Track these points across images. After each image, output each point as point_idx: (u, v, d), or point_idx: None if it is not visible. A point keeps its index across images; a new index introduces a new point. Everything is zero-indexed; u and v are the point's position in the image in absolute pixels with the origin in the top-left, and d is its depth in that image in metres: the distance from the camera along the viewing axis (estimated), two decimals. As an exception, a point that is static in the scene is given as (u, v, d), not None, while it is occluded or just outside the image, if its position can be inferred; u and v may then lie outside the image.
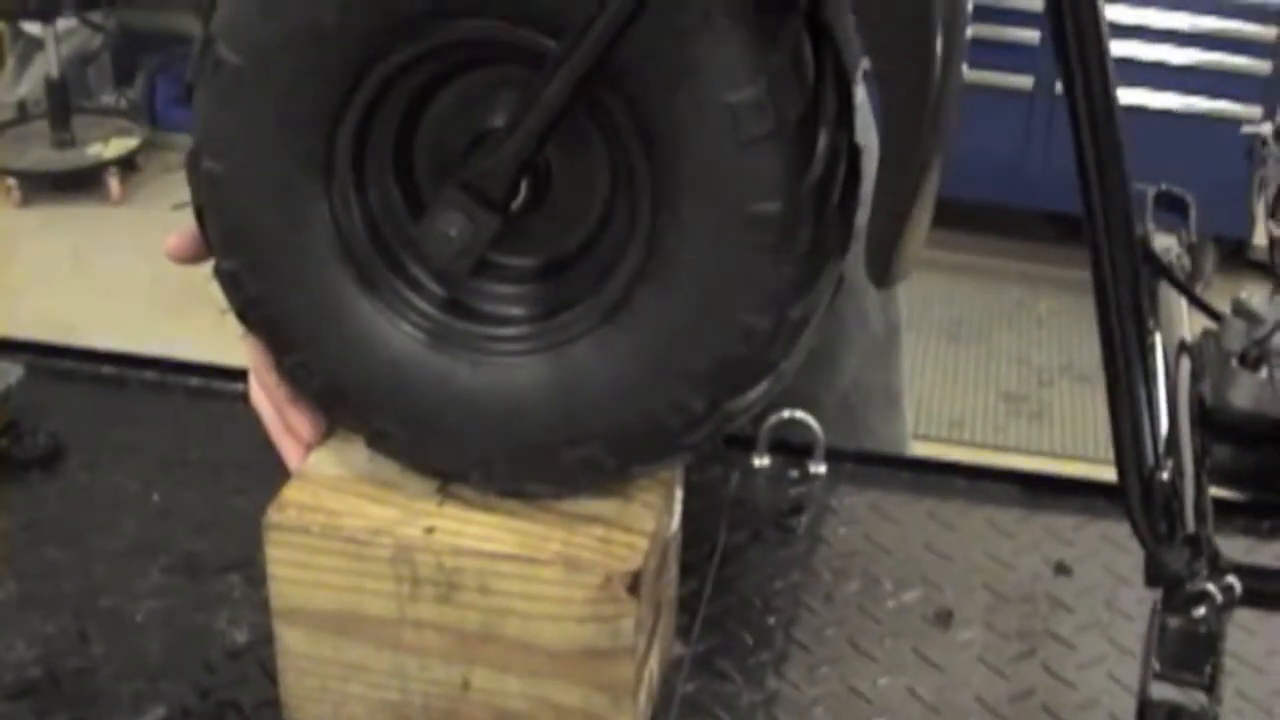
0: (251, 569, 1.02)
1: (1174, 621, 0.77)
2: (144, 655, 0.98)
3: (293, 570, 0.87)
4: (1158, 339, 0.90)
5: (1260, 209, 0.86)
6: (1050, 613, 1.04)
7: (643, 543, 0.85)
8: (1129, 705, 0.88)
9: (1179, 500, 0.80)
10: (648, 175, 0.79)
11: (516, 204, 0.81)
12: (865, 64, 0.78)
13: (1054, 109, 3.72)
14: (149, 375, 1.29)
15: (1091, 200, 0.80)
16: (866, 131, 0.77)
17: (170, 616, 1.01)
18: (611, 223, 0.85)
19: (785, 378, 0.84)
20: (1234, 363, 0.87)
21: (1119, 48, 3.67)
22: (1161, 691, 0.78)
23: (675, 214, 0.78)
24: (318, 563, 0.86)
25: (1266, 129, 0.87)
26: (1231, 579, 0.77)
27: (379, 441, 0.89)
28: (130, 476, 1.16)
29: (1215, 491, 0.88)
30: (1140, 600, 1.02)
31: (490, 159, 0.79)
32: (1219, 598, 0.76)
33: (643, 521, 0.86)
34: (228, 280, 0.87)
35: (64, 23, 4.52)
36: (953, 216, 3.77)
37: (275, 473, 0.91)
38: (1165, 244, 1.01)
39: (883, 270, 0.77)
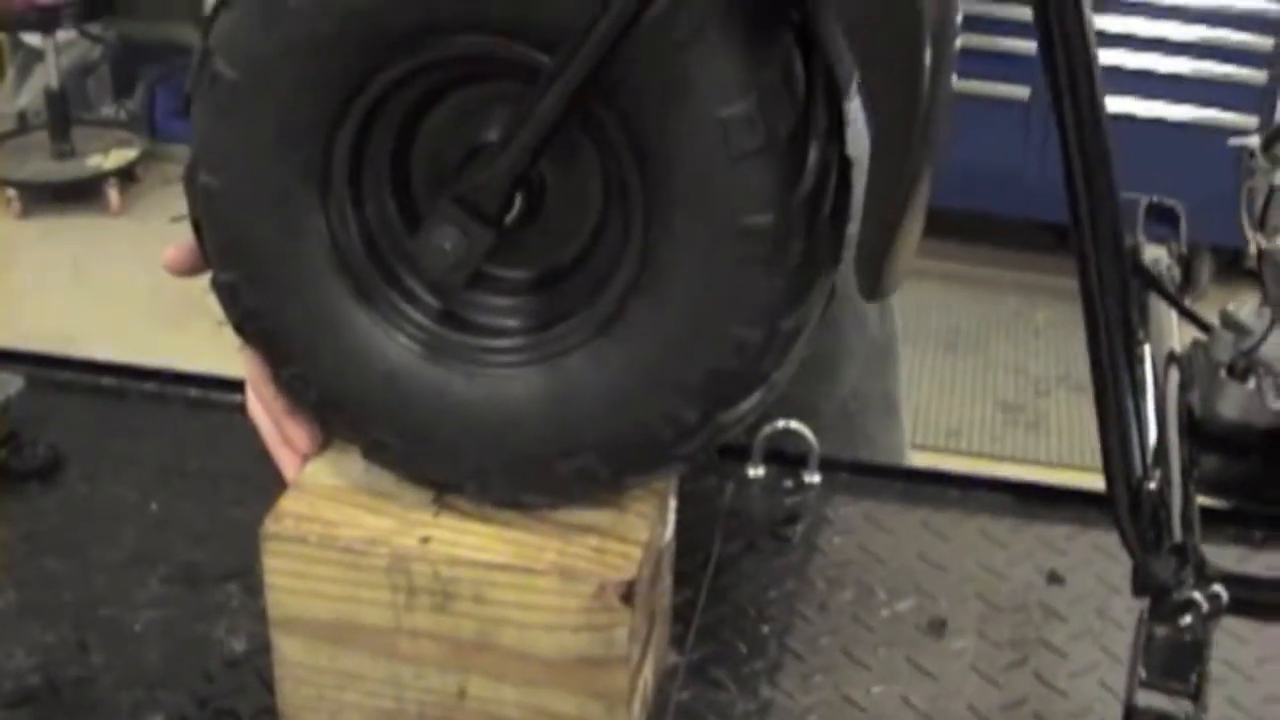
0: (249, 578, 1.02)
1: (1160, 630, 0.78)
2: (143, 664, 0.99)
3: (290, 580, 0.88)
4: (1147, 350, 0.91)
5: (1247, 221, 0.86)
6: (1043, 621, 1.05)
7: (637, 552, 0.85)
8: (1120, 713, 0.89)
9: (1166, 510, 0.80)
10: (641, 189, 0.79)
11: (511, 217, 0.81)
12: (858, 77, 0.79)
13: (1050, 119, 3.71)
14: (148, 386, 1.30)
15: (1079, 210, 0.80)
16: (859, 144, 0.78)
17: (169, 626, 1.02)
18: (605, 236, 0.85)
19: (777, 389, 0.85)
20: (1222, 373, 0.87)
21: (1116, 57, 3.69)
22: (1148, 699, 0.78)
23: (668, 227, 0.79)
24: (314, 572, 0.87)
25: (1254, 141, 0.87)
26: (1218, 588, 0.77)
27: (375, 452, 0.89)
28: (129, 487, 1.16)
29: (1208, 501, 0.89)
30: (1131, 609, 1.02)
31: (484, 173, 0.80)
32: (1205, 606, 0.77)
33: (637, 531, 0.87)
34: (225, 292, 0.88)
35: (64, 34, 4.53)
36: (949, 226, 3.78)
37: (273, 483, 0.92)
38: (1156, 255, 1.02)
39: (873, 282, 0.78)
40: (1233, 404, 0.87)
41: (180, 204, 0.88)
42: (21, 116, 4.83)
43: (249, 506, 0.93)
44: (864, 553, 1.12)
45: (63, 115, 4.55)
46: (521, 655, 0.87)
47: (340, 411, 0.89)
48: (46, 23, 4.38)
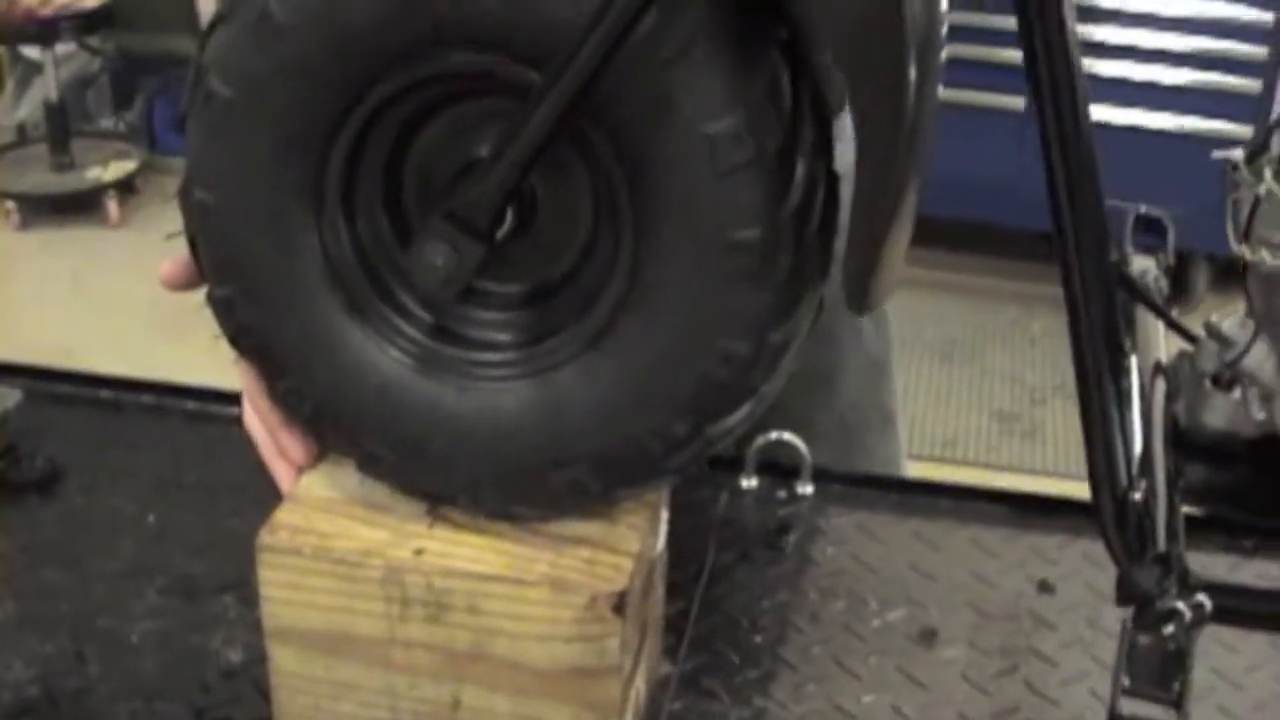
0: (246, 590, 1.03)
1: (1144, 638, 0.79)
2: (140, 675, 1.00)
3: (285, 591, 0.89)
4: (1134, 360, 0.92)
5: (1231, 233, 0.87)
6: (1033, 630, 1.06)
7: (627, 564, 0.86)
8: (1107, 721, 0.90)
9: (1151, 519, 0.81)
10: (630, 204, 0.80)
11: (502, 233, 0.82)
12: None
13: (1047, 129, 3.71)
14: (146, 399, 1.31)
15: (1063, 221, 0.81)
16: (848, 158, 0.79)
17: (166, 637, 1.03)
18: (595, 251, 0.86)
19: (766, 401, 0.86)
20: (1207, 384, 0.88)
21: (1112, 68, 3.70)
22: (1131, 707, 0.79)
23: (657, 242, 0.80)
24: (309, 584, 0.88)
25: (1237, 154, 0.88)
26: (1202, 597, 0.78)
27: (369, 465, 0.90)
28: (127, 499, 1.17)
29: (1200, 510, 0.90)
30: (1121, 618, 1.03)
31: (475, 189, 0.81)
32: (1188, 615, 0.78)
33: (628, 543, 0.88)
34: (220, 307, 0.88)
35: (63, 47, 4.53)
36: (945, 236, 3.79)
37: (269, 495, 0.93)
38: (1144, 266, 1.03)
39: (861, 295, 0.79)
40: (1218, 414, 0.88)
41: (178, 218, 0.89)
42: (21, 129, 4.84)
43: (246, 518, 0.94)
44: (856, 563, 1.12)
45: (62, 128, 4.56)
46: (514, 666, 0.87)
47: (335, 425, 0.89)
48: (46, 35, 4.39)
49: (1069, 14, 0.79)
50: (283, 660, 0.91)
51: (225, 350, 0.91)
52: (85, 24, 4.45)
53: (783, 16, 0.78)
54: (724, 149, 0.77)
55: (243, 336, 0.89)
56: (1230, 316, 0.90)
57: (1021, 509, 1.19)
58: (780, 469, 1.20)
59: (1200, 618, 0.78)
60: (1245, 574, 1.11)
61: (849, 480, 1.22)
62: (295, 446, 0.93)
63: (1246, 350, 0.86)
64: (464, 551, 0.87)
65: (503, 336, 0.88)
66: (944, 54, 0.78)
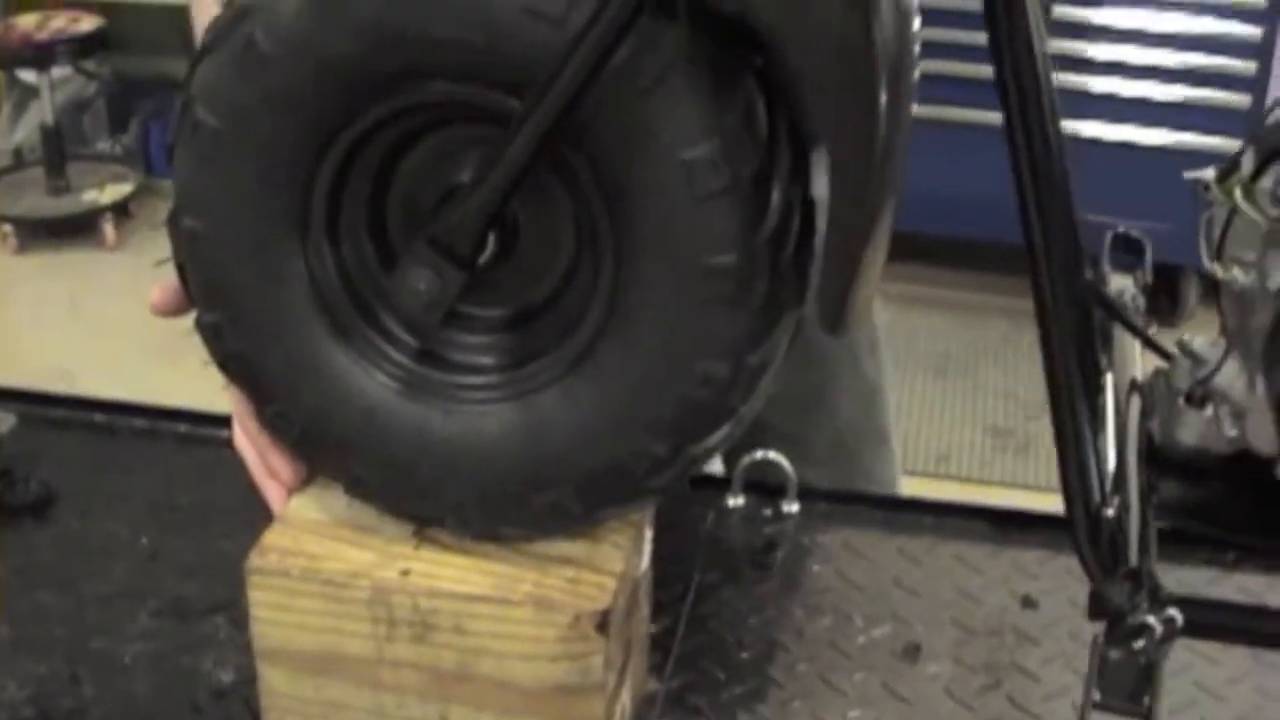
0: (236, 611, 1.03)
1: (1114, 653, 0.79)
2: (133, 696, 1.01)
3: (274, 612, 0.90)
4: (1109, 378, 0.93)
5: (1205, 252, 0.88)
6: (1016, 645, 1.07)
7: (611, 583, 0.87)
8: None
9: (1123, 535, 0.82)
10: (609, 230, 0.82)
11: (484, 258, 0.84)
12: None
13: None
14: (139, 423, 1.32)
15: (1034, 239, 0.82)
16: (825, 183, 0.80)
17: (158, 658, 1.04)
18: (576, 276, 0.88)
19: (745, 422, 0.87)
20: (1181, 401, 0.89)
21: (1103, 84, 3.71)
22: (1101, 721, 0.80)
23: (636, 267, 0.81)
24: (298, 605, 0.89)
25: (1209, 173, 0.89)
26: (1173, 611, 0.79)
27: (356, 487, 0.91)
28: (120, 523, 1.18)
29: (1181, 526, 0.91)
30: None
31: (457, 215, 0.83)
32: (1159, 630, 0.79)
33: (611, 562, 0.89)
34: (209, 333, 0.90)
35: (59, 70, 4.54)
36: (937, 252, 3.79)
37: (260, 518, 0.94)
38: (1122, 284, 1.04)
39: (836, 316, 0.80)
40: (1191, 431, 0.89)
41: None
42: (17, 152, 4.85)
43: (237, 540, 0.95)
44: (842, 580, 1.13)
45: (58, 151, 4.56)
46: (500, 684, 0.88)
47: (322, 448, 0.91)
48: (42, 59, 4.40)
49: (1037, 34, 0.80)
50: (273, 680, 0.92)
51: (216, 374, 0.92)
52: (81, 47, 4.46)
53: (758, 44, 0.79)
54: (701, 175, 0.78)
55: (231, 361, 0.90)
56: (1202, 335, 0.91)
57: (1004, 525, 1.20)
58: (766, 488, 1.21)
59: (1171, 632, 0.79)
60: (1226, 588, 1.12)
61: (834, 498, 1.23)
62: (285, 468, 0.94)
63: (1218, 368, 0.87)
64: (449, 572, 0.88)
65: (486, 360, 0.90)
66: (917, 74, 0.79)
